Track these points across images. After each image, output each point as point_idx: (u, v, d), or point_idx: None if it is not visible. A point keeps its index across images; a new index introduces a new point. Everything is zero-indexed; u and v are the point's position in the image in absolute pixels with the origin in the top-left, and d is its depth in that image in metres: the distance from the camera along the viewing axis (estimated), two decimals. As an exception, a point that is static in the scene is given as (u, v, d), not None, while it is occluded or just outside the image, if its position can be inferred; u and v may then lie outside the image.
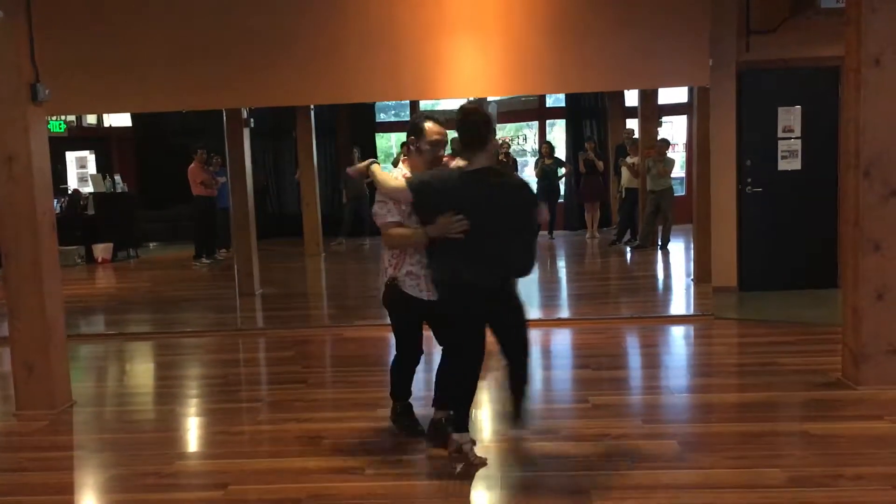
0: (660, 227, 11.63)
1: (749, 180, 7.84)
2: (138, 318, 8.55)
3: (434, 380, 4.28)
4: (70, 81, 6.47)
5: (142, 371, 6.53)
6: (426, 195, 3.83)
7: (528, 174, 14.83)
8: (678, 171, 12.60)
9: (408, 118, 15.47)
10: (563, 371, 5.91)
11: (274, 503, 3.59)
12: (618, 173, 13.05)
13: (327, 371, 6.23)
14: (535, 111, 15.41)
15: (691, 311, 7.64)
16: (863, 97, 4.72)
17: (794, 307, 7.20)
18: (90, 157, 15.50)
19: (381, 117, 16.13)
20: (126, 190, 13.91)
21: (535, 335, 6.86)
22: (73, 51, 6.58)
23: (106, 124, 15.75)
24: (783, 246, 7.87)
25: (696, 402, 4.90)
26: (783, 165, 7.82)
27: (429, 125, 3.99)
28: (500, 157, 12.69)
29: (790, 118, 7.78)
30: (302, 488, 3.70)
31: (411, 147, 4.06)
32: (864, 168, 4.75)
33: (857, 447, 3.96)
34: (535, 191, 10.72)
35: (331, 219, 13.41)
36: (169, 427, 4.82)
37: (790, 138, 7.80)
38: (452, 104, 14.48)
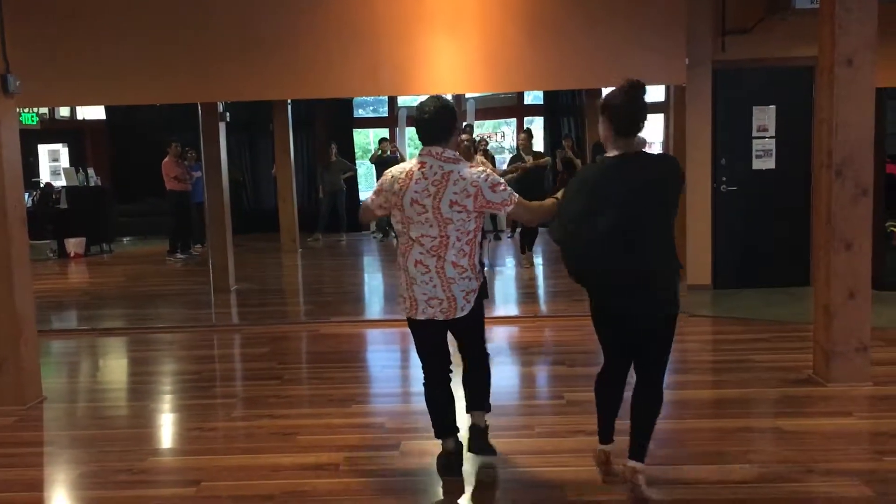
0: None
1: (724, 179, 7.91)
2: (111, 313, 8.46)
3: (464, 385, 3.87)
4: (42, 73, 6.39)
5: (114, 367, 6.46)
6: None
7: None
8: (654, 169, 12.65)
9: (385, 114, 15.45)
10: (538, 367, 5.93)
11: (247, 500, 3.57)
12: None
13: (302, 367, 6.20)
14: (513, 108, 15.43)
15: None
16: (836, 97, 4.77)
17: (767, 305, 7.27)
18: (63, 150, 15.32)
19: (359, 113, 16.07)
20: (99, 184, 13.74)
21: (510, 332, 6.89)
22: (45, 42, 6.49)
23: (79, 117, 15.57)
24: (757, 244, 7.95)
25: (669, 398, 4.89)
26: (757, 164, 7.89)
27: None
28: (474, 153, 12.70)
29: (765, 117, 7.85)
30: (275, 485, 3.68)
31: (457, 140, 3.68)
32: (837, 167, 4.80)
33: (827, 443, 4.01)
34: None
35: (307, 214, 13.36)
36: (141, 423, 4.77)
37: (764, 137, 7.87)
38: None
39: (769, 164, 7.89)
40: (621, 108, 3.31)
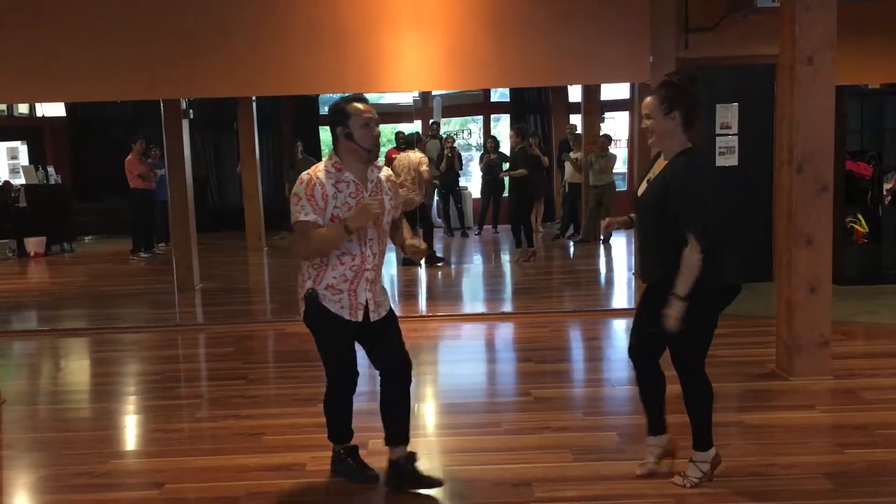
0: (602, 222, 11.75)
1: (688, 175, 7.97)
2: (73, 313, 8.31)
3: (381, 412, 3.60)
4: (0, 69, 6.25)
5: (76, 368, 6.35)
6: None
7: (473, 169, 14.90)
8: (620, 167, 12.77)
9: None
10: (506, 364, 5.94)
11: (212, 501, 3.53)
12: (561, 168, 13.16)
13: (268, 367, 6.15)
14: (479, 106, 15.47)
15: (633, 305, 7.73)
16: (796, 95, 4.84)
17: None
18: (22, 148, 15.02)
19: (325, 110, 15.98)
20: (60, 182, 13.49)
21: (478, 329, 6.89)
22: (3, 38, 6.36)
23: (39, 114, 15.28)
24: (720, 240, 8.02)
25: (636, 394, 4.94)
26: (721, 161, 7.97)
27: (355, 104, 3.36)
28: (445, 151, 12.70)
29: (727, 115, 7.94)
30: (241, 486, 3.64)
31: (339, 135, 3.36)
32: (798, 164, 4.87)
33: (790, 437, 4.07)
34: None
35: (273, 212, 13.24)
36: (103, 425, 4.70)
37: (727, 135, 7.96)
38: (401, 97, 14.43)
39: (732, 160, 7.97)
40: (694, 99, 3.36)
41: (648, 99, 3.39)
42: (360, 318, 3.40)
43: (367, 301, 3.41)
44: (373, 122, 3.35)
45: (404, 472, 3.52)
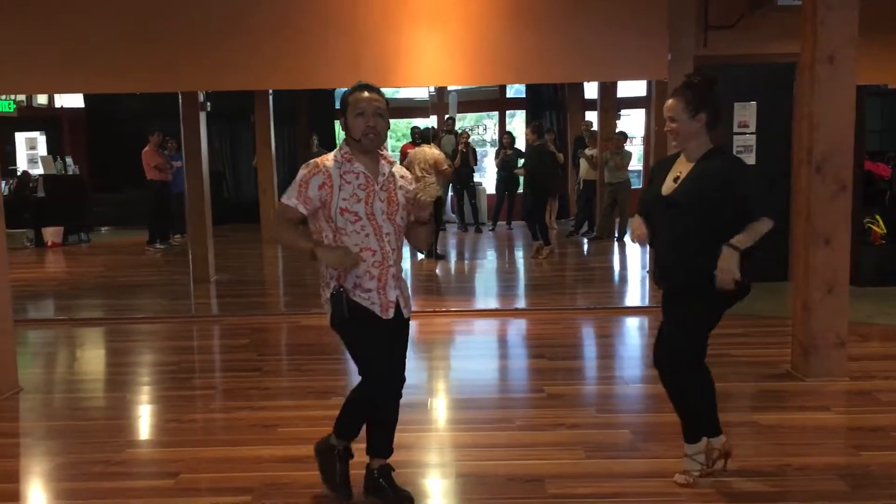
0: (616, 220, 11.74)
1: (705, 174, 7.93)
2: (89, 303, 8.38)
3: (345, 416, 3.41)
4: (19, 60, 6.30)
5: (92, 357, 6.40)
6: None
7: (488, 164, 14.89)
8: (635, 165, 12.73)
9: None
10: (519, 360, 5.94)
11: (226, 492, 3.55)
12: (576, 165, 13.13)
13: (283, 359, 6.17)
14: (495, 101, 15.44)
15: (646, 303, 7.72)
16: (816, 94, 4.80)
17: (746, 299, 7.29)
18: (41, 138, 15.14)
19: (341, 104, 15.99)
20: (77, 172, 13.61)
21: (491, 325, 6.90)
22: (23, 28, 6.40)
23: (57, 105, 15.38)
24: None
25: (649, 392, 4.95)
26: (738, 160, 7.93)
27: (356, 93, 3.18)
28: (460, 147, 12.69)
29: (746, 114, 7.89)
30: (255, 477, 3.67)
31: (342, 126, 3.26)
32: (816, 164, 4.83)
33: (803, 438, 4.05)
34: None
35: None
36: (119, 415, 4.73)
37: (745, 133, 7.91)
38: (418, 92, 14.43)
39: (750, 159, 7.91)
40: (717, 100, 3.38)
41: (671, 101, 3.37)
42: (391, 316, 3.25)
43: (397, 298, 3.28)
44: (369, 111, 3.13)
45: (378, 486, 3.39)
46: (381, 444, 3.44)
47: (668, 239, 3.40)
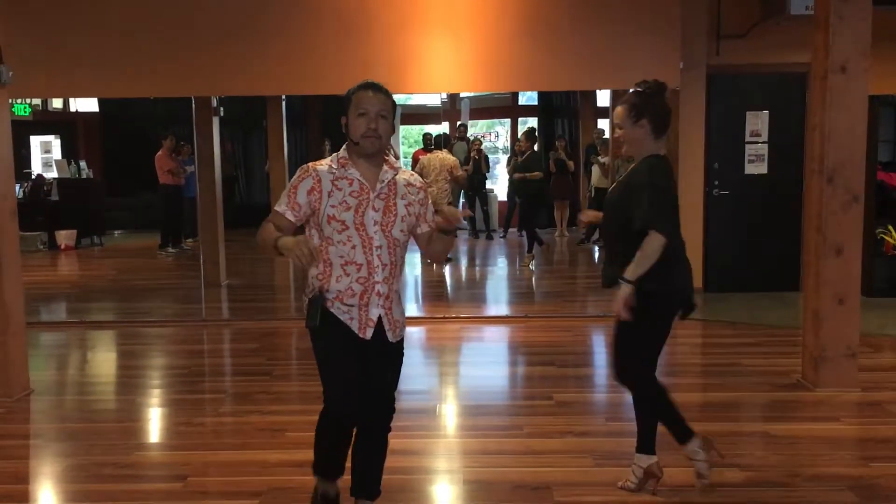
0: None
1: (716, 183, 7.93)
2: (101, 306, 8.42)
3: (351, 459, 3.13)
4: (35, 64, 6.35)
5: (103, 360, 6.44)
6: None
7: (500, 171, 14.89)
8: (647, 172, 12.66)
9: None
10: (528, 368, 5.93)
11: (234, 495, 3.56)
12: (588, 172, 13.10)
13: (292, 364, 6.19)
14: (507, 108, 15.43)
15: (656, 311, 7.70)
16: (828, 104, 4.79)
17: (757, 309, 7.29)
18: (55, 142, 15.23)
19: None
20: (91, 176, 13.68)
21: (500, 332, 6.89)
22: (39, 33, 6.46)
23: (72, 109, 15.47)
24: (748, 249, 7.97)
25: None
26: (750, 169, 7.92)
27: (360, 91, 2.97)
28: (472, 153, 12.70)
29: (758, 122, 7.87)
30: (263, 481, 3.68)
31: (343, 127, 3.01)
32: (828, 174, 4.82)
33: (814, 448, 4.03)
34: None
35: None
36: (129, 417, 4.76)
37: (757, 142, 7.89)
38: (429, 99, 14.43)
39: (761, 169, 7.91)
40: (662, 107, 3.35)
41: (618, 108, 3.42)
42: (368, 337, 2.93)
43: (379, 317, 2.94)
44: (373, 112, 2.87)
45: None
46: (362, 483, 3.09)
47: (603, 238, 3.53)
